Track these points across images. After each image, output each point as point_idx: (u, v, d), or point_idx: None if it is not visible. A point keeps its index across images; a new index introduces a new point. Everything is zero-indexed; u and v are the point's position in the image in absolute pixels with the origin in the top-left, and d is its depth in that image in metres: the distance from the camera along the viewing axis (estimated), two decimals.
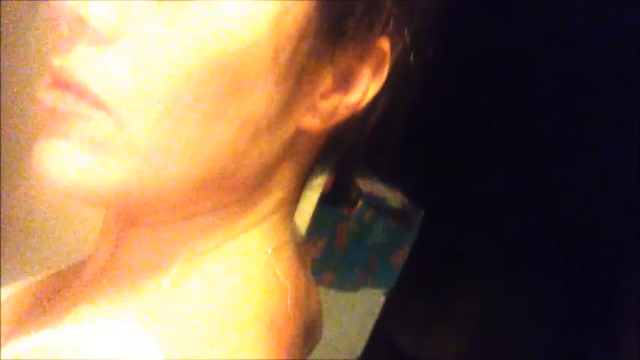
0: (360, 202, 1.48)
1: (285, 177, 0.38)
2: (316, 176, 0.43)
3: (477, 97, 1.69)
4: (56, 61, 0.31)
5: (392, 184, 1.61)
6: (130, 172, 0.32)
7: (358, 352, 1.61)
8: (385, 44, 0.35)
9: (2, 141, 0.88)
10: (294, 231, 0.43)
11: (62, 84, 0.31)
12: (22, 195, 0.91)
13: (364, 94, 0.36)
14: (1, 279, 0.47)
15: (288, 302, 0.38)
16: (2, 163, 0.89)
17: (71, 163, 0.31)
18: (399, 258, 1.58)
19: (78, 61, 0.31)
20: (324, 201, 1.33)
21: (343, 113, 0.36)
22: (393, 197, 1.56)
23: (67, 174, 0.31)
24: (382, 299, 1.61)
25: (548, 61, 1.55)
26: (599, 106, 1.50)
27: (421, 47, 0.38)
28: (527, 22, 1.52)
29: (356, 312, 1.57)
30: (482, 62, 1.66)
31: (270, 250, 0.38)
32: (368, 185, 1.53)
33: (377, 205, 1.51)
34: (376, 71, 0.36)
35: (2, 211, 0.91)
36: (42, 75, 0.32)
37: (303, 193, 0.42)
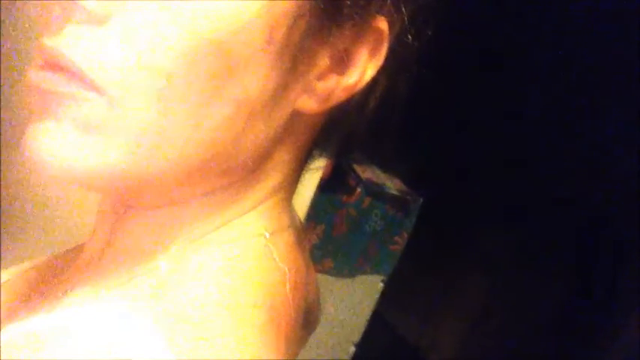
0: (358, 190, 1.48)
1: (282, 159, 0.38)
2: (315, 159, 0.42)
3: (478, 85, 1.68)
4: (48, 42, 0.31)
5: (391, 171, 1.61)
6: (124, 154, 0.31)
7: (356, 337, 1.62)
8: (382, 24, 0.35)
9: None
10: (292, 215, 0.42)
11: (53, 65, 0.31)
12: (19, 179, 0.91)
13: (361, 76, 0.35)
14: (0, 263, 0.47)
15: (287, 286, 0.38)
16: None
17: (63, 146, 0.31)
18: (398, 245, 1.59)
19: (70, 42, 0.31)
20: (323, 188, 1.33)
21: (340, 95, 0.36)
22: (392, 184, 1.56)
23: (60, 156, 0.31)
24: (380, 286, 1.61)
25: (548, 43, 1.55)
26: (601, 103, 1.50)
27: (420, 27, 0.37)
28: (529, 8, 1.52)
29: (354, 298, 1.58)
30: (484, 47, 1.65)
31: (268, 234, 0.38)
32: (367, 172, 1.53)
33: (376, 192, 1.51)
34: (374, 52, 0.35)
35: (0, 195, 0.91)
36: (34, 56, 0.32)
37: (302, 177, 0.42)
